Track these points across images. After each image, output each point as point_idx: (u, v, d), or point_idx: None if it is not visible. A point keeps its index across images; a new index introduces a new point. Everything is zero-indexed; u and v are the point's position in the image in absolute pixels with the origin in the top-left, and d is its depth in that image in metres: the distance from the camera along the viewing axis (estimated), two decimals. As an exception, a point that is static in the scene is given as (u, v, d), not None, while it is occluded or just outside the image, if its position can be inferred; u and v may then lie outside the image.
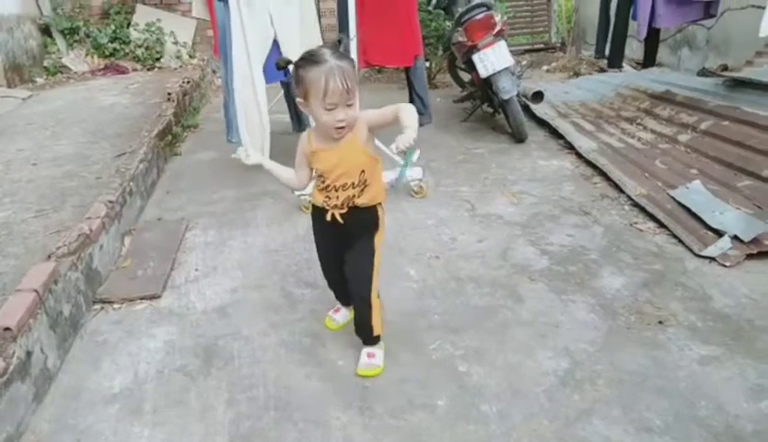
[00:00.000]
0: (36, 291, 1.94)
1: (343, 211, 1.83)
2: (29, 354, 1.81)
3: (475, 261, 2.64)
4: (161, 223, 3.18)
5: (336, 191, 1.81)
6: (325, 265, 2.09)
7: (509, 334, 2.11)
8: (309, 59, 1.66)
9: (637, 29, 5.39)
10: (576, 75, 6.76)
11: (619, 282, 2.41)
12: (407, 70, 3.66)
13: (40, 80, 6.64)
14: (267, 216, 3.22)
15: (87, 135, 4.16)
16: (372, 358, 1.94)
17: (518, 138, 4.29)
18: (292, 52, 1.96)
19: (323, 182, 1.83)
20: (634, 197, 3.14)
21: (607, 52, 5.96)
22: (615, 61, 5.99)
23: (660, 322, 2.13)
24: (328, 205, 1.84)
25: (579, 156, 3.90)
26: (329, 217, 1.84)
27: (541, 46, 8.41)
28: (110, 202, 2.82)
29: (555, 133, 4.42)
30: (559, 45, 8.30)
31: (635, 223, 2.93)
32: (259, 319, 2.27)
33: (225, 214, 3.28)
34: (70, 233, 2.43)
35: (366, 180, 1.81)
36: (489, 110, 4.79)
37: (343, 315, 2.18)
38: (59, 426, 1.77)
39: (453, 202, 3.31)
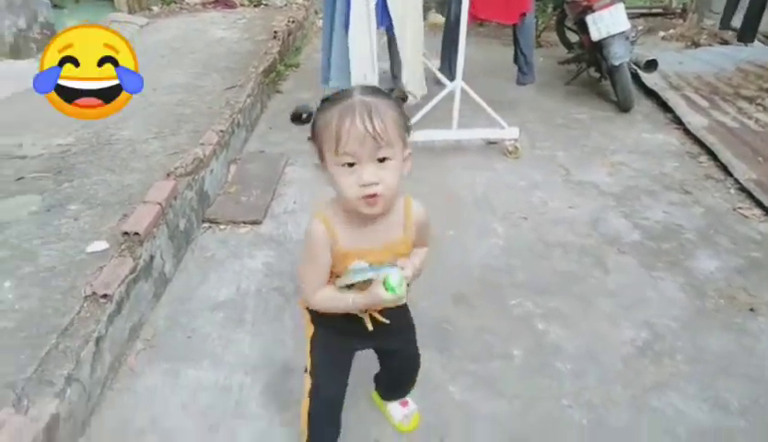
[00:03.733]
0: (160, 204, 2.17)
1: (380, 309, 1.30)
2: (151, 258, 2.04)
3: (564, 226, 2.64)
4: (263, 155, 3.37)
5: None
6: (334, 380, 1.39)
7: (592, 301, 2.13)
8: (330, 98, 1.13)
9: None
10: (695, 45, 6.29)
11: (713, 265, 2.35)
12: (514, 26, 3.58)
13: (155, 8, 7.00)
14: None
15: (199, 66, 4.40)
16: (406, 406, 1.64)
17: (624, 107, 4.12)
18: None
19: (350, 288, 1.22)
20: (742, 181, 2.99)
21: (738, 23, 5.48)
22: (747, 33, 5.51)
23: (752, 310, 2.08)
24: (359, 312, 1.28)
25: (687, 132, 3.71)
26: (369, 325, 1.29)
27: (660, 11, 7.83)
28: (221, 131, 3.02)
29: (664, 106, 4.20)
30: (680, 11, 7.69)
31: (740, 208, 2.79)
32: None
33: (322, 153, 3.43)
34: (186, 156, 2.65)
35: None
36: (596, 74, 4.60)
37: None
38: (172, 324, 2.00)
39: (548, 165, 3.28)
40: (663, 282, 2.24)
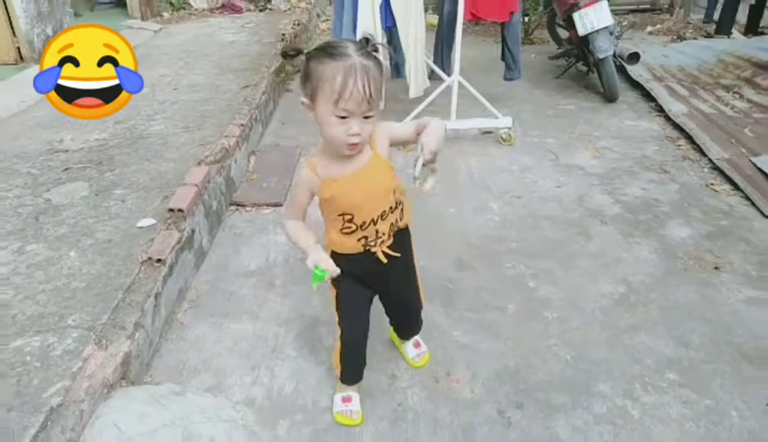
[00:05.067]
0: (197, 185, 2.48)
1: (390, 242, 1.53)
2: (192, 231, 2.35)
3: (553, 203, 2.94)
4: (279, 147, 3.68)
5: (376, 224, 1.48)
6: (359, 341, 1.68)
7: (576, 263, 2.44)
8: (326, 50, 1.29)
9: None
10: (680, 39, 6.60)
11: (685, 232, 2.65)
12: (502, 24, 3.88)
13: (166, 15, 7.33)
14: (369, 150, 3.64)
15: (215, 68, 4.72)
16: (419, 347, 1.92)
17: (610, 98, 4.43)
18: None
19: (351, 222, 1.46)
20: (714, 160, 3.29)
21: (716, 16, 5.81)
22: (724, 26, 5.83)
23: (716, 268, 2.38)
24: (372, 246, 1.51)
25: (668, 119, 4.02)
26: (383, 258, 1.51)
27: (647, 6, 8.15)
28: (242, 125, 3.33)
29: (648, 96, 4.51)
30: (666, 6, 8.01)
31: (712, 184, 3.10)
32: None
33: (332, 144, 3.74)
34: (214, 146, 2.96)
35: (399, 198, 1.52)
36: (583, 68, 4.92)
37: (357, 402, 1.72)
38: (213, 288, 2.31)
39: (538, 151, 3.59)
40: (639, 246, 2.55)
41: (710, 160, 3.34)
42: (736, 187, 3.03)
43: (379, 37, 3.41)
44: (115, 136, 3.22)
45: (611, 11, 4.25)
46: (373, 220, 1.46)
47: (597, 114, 4.21)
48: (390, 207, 1.48)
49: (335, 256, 1.52)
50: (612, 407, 1.73)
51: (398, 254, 1.54)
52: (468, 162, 3.42)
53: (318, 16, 7.79)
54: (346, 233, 1.48)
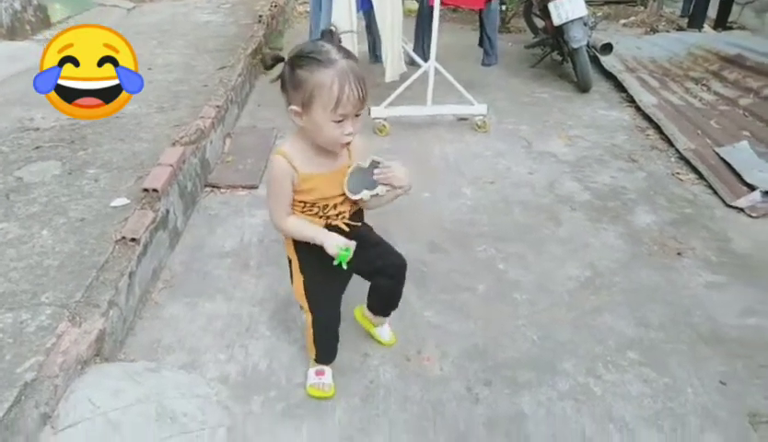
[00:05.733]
0: (171, 166, 2.47)
1: (349, 217, 1.61)
2: (167, 211, 2.35)
3: (525, 188, 3.01)
4: (255, 129, 3.67)
5: (335, 208, 1.56)
6: (331, 304, 1.70)
7: (545, 247, 2.51)
8: (311, 57, 1.33)
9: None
10: (653, 31, 6.72)
11: (650, 218, 2.74)
12: (480, 11, 3.92)
13: (140, -7, 7.17)
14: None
15: (190, 48, 4.65)
16: (389, 327, 1.96)
17: (583, 88, 4.50)
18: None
19: (311, 208, 1.55)
20: (681, 150, 3.40)
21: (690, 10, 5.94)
22: (696, 20, 5.96)
23: (679, 254, 2.48)
24: (333, 220, 1.58)
25: (639, 109, 4.12)
26: (344, 227, 1.58)
27: (623, -2, 8.27)
28: (218, 106, 3.31)
29: (620, 87, 4.60)
30: (641, -1, 8.14)
31: (678, 173, 3.20)
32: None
33: (308, 128, 3.74)
34: (189, 127, 2.94)
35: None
36: (558, 57, 4.99)
37: (330, 376, 1.76)
38: (187, 269, 2.32)
39: (512, 138, 3.65)
40: (606, 232, 2.63)
41: (677, 150, 3.44)
42: (701, 176, 3.13)
43: (353, 23, 3.41)
44: (88, 115, 3.17)
45: (586, 2, 4.32)
46: (334, 204, 1.55)
47: (570, 103, 4.29)
48: (351, 203, 1.57)
49: (297, 243, 1.60)
50: (575, 384, 1.80)
51: (358, 223, 1.62)
52: (443, 148, 3.46)
53: (296, -2, 7.70)
54: (308, 214, 1.55)
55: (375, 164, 1.48)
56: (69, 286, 1.84)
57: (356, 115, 1.39)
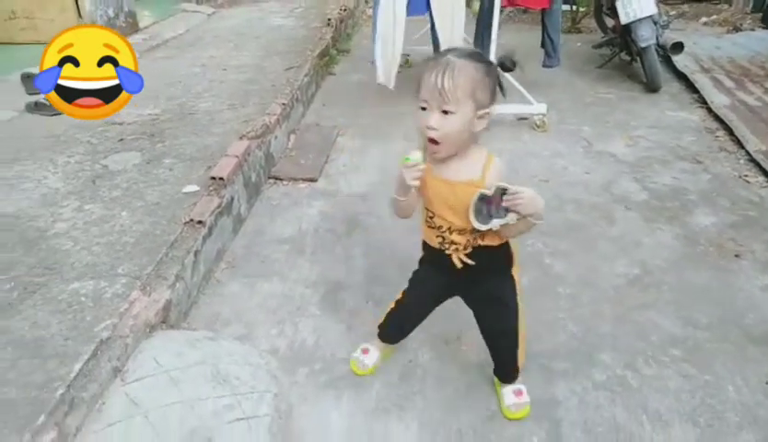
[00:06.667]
0: (237, 157, 2.67)
1: (468, 251, 1.51)
2: (231, 198, 2.54)
3: (579, 187, 3.00)
4: (318, 127, 3.84)
5: (451, 233, 1.49)
6: (409, 315, 1.76)
7: (594, 244, 2.50)
8: (439, 52, 1.42)
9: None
10: (736, 30, 6.40)
11: (709, 220, 2.67)
12: (543, 12, 3.91)
13: (220, -1, 7.61)
14: (404, 131, 3.75)
15: (262, 50, 4.92)
16: (520, 396, 1.71)
17: (652, 88, 4.39)
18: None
19: (431, 218, 1.52)
20: (751, 152, 3.26)
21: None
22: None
23: (737, 256, 2.41)
24: (446, 249, 1.52)
25: (710, 111, 3.97)
26: (457, 263, 1.51)
27: (705, -4, 7.89)
28: (284, 104, 3.51)
29: (692, 87, 4.44)
30: (725, -4, 7.74)
31: (746, 175, 3.08)
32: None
33: (369, 126, 3.88)
34: (256, 123, 3.15)
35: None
36: (627, 57, 4.88)
37: (374, 358, 1.85)
38: (248, 252, 2.50)
39: (572, 138, 3.62)
40: (661, 232, 2.59)
41: (747, 152, 3.30)
42: (770, 178, 3.00)
43: (397, 28, 3.51)
44: (166, 112, 3.46)
45: (664, 1, 4.20)
46: (449, 228, 1.49)
47: (636, 104, 4.19)
48: (472, 229, 1.44)
49: (423, 243, 1.62)
50: (612, 376, 1.82)
51: (472, 262, 1.51)
52: (499, 146, 3.48)
53: (366, 2, 7.90)
54: (428, 226, 1.54)
55: (501, 190, 1.36)
56: (142, 261, 2.05)
57: (444, 112, 1.33)
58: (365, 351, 1.88)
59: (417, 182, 1.39)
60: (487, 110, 1.38)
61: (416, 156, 1.37)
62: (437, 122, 1.34)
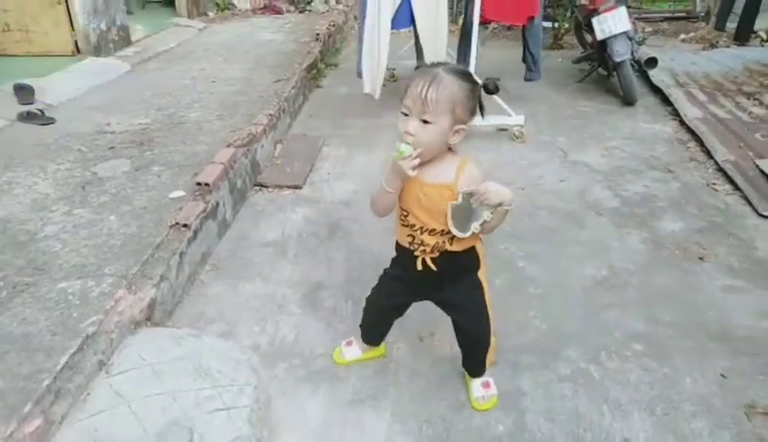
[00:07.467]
0: (223, 164, 2.76)
1: (435, 255, 1.58)
2: (217, 204, 2.63)
3: (554, 195, 3.11)
4: (304, 137, 3.95)
5: (422, 234, 1.56)
6: (380, 313, 1.87)
7: (565, 248, 2.61)
8: (429, 65, 1.50)
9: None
10: (712, 46, 6.61)
11: (677, 225, 2.79)
12: (523, 28, 4.06)
13: (211, 14, 7.76)
14: (387, 141, 3.86)
15: (251, 63, 5.04)
16: (488, 388, 1.80)
17: (627, 101, 4.54)
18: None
19: (405, 217, 1.59)
20: (719, 162, 3.40)
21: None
22: (742, 34, 5.83)
23: (701, 258, 2.52)
24: (414, 248, 1.60)
25: (683, 123, 4.12)
26: (419, 266, 1.60)
27: (683, 15, 8.13)
28: (270, 114, 3.62)
29: (667, 101, 4.60)
30: (702, 15, 7.98)
31: (713, 183, 3.21)
32: (371, 212, 2.95)
33: (354, 137, 3.98)
34: (242, 132, 3.25)
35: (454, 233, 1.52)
36: (604, 72, 5.04)
37: (355, 352, 1.96)
38: (232, 255, 2.58)
39: (548, 148, 3.75)
40: (629, 236, 2.70)
41: (716, 162, 3.44)
42: (736, 187, 3.13)
43: (381, 42, 3.64)
44: (156, 121, 3.55)
45: (644, 18, 4.37)
46: (421, 228, 1.55)
47: (612, 116, 4.34)
48: (442, 230, 1.51)
49: (396, 243, 1.69)
50: (576, 369, 1.91)
51: (434, 268, 1.59)
52: (478, 156, 3.60)
53: (355, 18, 8.07)
54: (402, 224, 1.60)
55: (468, 195, 1.44)
56: (129, 262, 2.13)
57: (423, 121, 1.40)
58: (349, 343, 1.99)
59: (415, 172, 1.43)
60: (463, 127, 1.45)
61: (408, 147, 1.42)
62: (415, 129, 1.41)
